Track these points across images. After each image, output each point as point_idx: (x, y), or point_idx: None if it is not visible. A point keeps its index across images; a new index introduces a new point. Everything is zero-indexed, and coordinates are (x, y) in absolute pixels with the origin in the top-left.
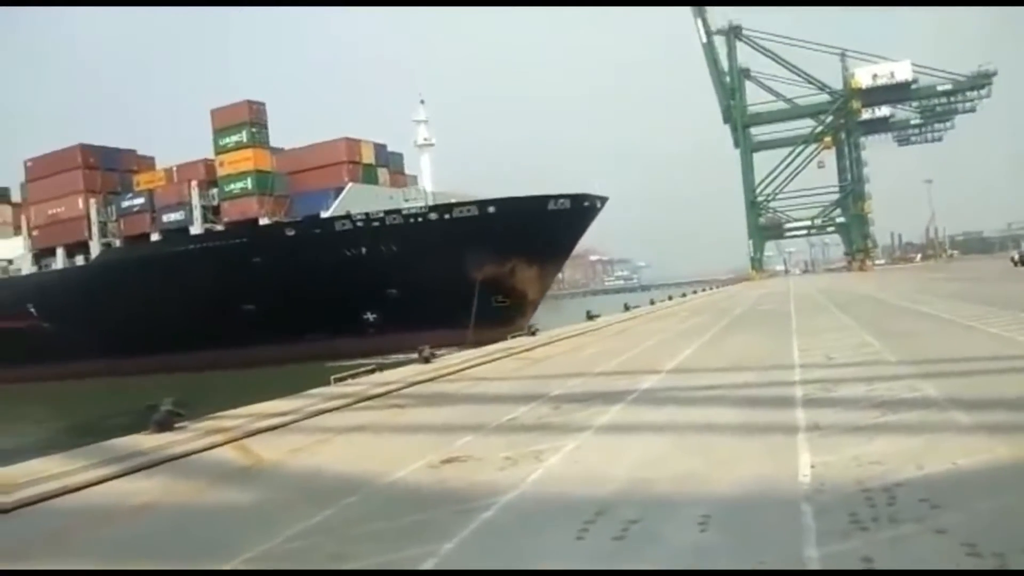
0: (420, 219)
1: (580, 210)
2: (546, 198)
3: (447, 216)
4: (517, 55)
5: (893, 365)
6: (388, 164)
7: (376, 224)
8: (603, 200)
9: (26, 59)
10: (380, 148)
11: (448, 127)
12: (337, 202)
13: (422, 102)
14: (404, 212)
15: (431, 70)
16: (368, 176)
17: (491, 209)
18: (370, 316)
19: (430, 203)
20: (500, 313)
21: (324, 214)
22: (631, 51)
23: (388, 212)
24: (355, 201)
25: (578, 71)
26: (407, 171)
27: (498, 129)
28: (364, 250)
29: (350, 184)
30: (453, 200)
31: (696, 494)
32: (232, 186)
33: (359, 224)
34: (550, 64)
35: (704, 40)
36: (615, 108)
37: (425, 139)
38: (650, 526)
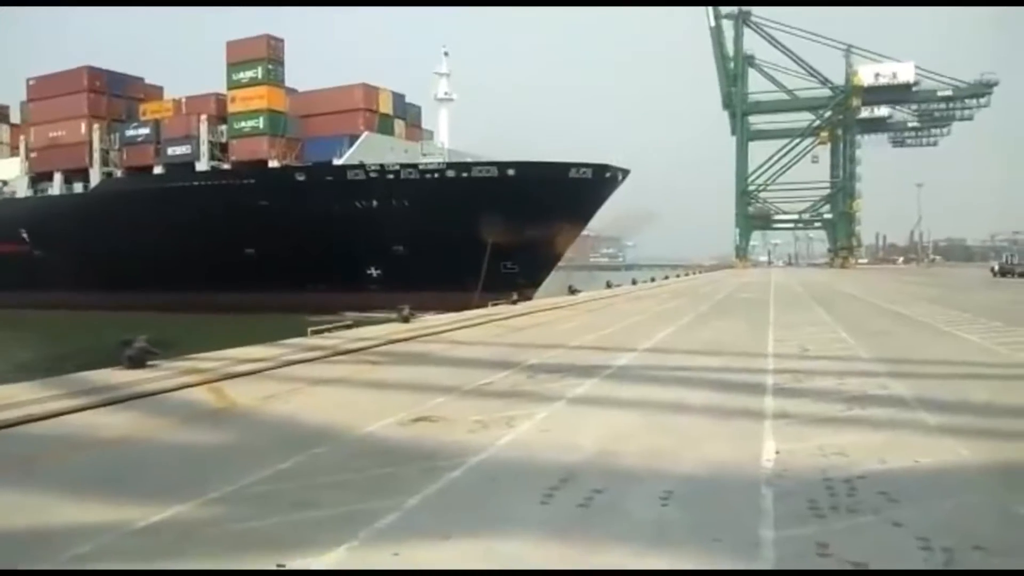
0: (437, 175)
1: (601, 180)
2: (568, 165)
3: (465, 175)
4: (526, 44)
5: (866, 362)
6: (406, 116)
7: (390, 176)
8: (625, 173)
9: None
10: (398, 98)
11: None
12: (352, 150)
13: (446, 54)
14: (421, 167)
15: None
16: (384, 126)
17: (511, 171)
18: (374, 272)
19: (447, 160)
20: (509, 279)
21: (336, 161)
22: (636, 42)
23: (404, 165)
24: (370, 151)
25: (579, 55)
26: (422, 126)
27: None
28: (375, 202)
29: (366, 133)
30: (470, 159)
31: (661, 470)
32: (243, 124)
33: (372, 175)
34: (555, 49)
35: (712, 23)
36: (611, 84)
37: (446, 93)
38: (614, 497)
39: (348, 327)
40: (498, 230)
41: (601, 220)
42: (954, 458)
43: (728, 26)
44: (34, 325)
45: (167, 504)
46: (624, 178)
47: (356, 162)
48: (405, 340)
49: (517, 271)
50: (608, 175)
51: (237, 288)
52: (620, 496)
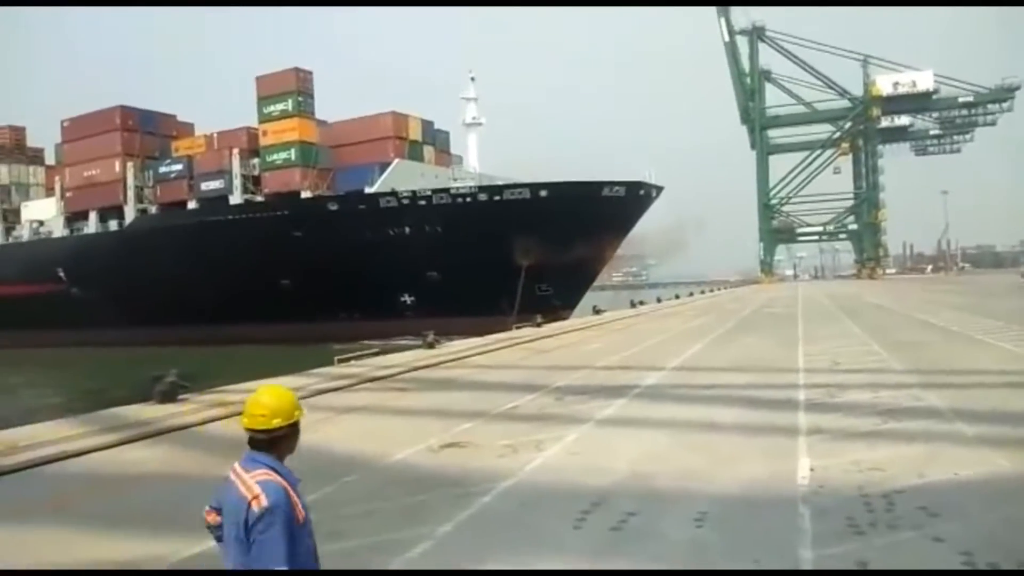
0: (469, 199)
1: (635, 198)
2: (601, 184)
3: (497, 198)
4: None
5: (899, 374)
6: (435, 142)
7: (422, 203)
8: (659, 189)
9: (67, 16)
10: (427, 125)
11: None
12: (383, 178)
13: (472, 79)
14: (452, 191)
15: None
16: (414, 153)
17: (543, 193)
18: (408, 299)
19: (478, 184)
20: (544, 301)
21: (368, 190)
22: (652, 53)
23: (436, 191)
24: (401, 178)
25: (592, 68)
26: (451, 151)
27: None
28: (408, 229)
29: (397, 160)
30: (500, 182)
31: (694, 490)
32: (275, 156)
33: (405, 202)
34: (570, 63)
35: (726, 39)
36: (628, 104)
37: (474, 118)
38: (647, 520)
39: (374, 355)
40: (532, 252)
41: (631, 239)
42: (994, 469)
43: (743, 42)
44: (70, 363)
45: (200, 539)
46: (658, 195)
47: (388, 190)
48: (431, 366)
49: (551, 293)
50: (642, 192)
51: (272, 319)
52: (654, 519)
